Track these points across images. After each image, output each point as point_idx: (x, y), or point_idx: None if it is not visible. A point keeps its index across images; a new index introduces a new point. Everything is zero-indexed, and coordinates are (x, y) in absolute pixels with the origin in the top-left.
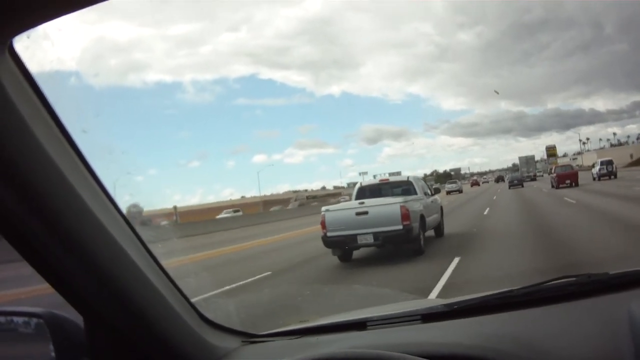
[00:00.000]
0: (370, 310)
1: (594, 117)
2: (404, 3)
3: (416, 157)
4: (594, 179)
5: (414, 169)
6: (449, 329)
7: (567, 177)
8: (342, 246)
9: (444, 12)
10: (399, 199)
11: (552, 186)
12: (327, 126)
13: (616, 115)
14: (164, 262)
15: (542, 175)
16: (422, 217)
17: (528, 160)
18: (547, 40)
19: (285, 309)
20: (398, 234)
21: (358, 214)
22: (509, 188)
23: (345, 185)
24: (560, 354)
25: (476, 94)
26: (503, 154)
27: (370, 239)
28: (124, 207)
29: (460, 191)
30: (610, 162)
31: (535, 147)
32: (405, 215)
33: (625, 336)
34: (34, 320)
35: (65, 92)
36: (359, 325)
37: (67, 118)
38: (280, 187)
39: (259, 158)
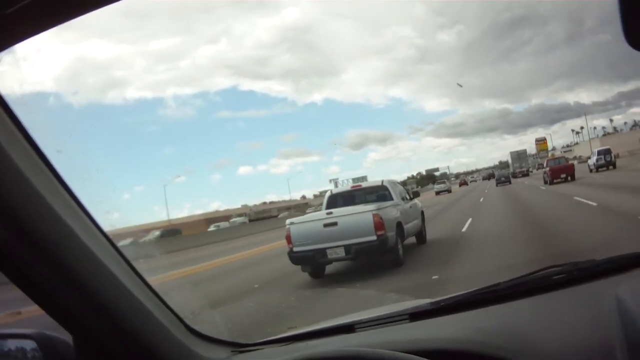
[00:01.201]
0: (358, 314)
1: (580, 110)
2: (383, 8)
3: (402, 160)
4: (591, 170)
5: (400, 173)
6: (437, 325)
7: (562, 171)
8: (310, 262)
9: (423, 15)
10: (371, 207)
11: (545, 182)
12: (311, 134)
13: (602, 107)
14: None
15: (532, 171)
16: (400, 225)
17: (520, 155)
18: (529, 36)
19: (272, 317)
20: (372, 246)
21: (326, 225)
22: (497, 185)
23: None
24: (548, 343)
25: (459, 94)
26: (489, 152)
27: (341, 253)
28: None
29: (449, 191)
30: (608, 152)
31: (521, 143)
32: (379, 224)
33: (613, 321)
34: (26, 341)
35: (44, 112)
36: (348, 328)
37: (46, 139)
38: (268, 197)
39: (244, 170)
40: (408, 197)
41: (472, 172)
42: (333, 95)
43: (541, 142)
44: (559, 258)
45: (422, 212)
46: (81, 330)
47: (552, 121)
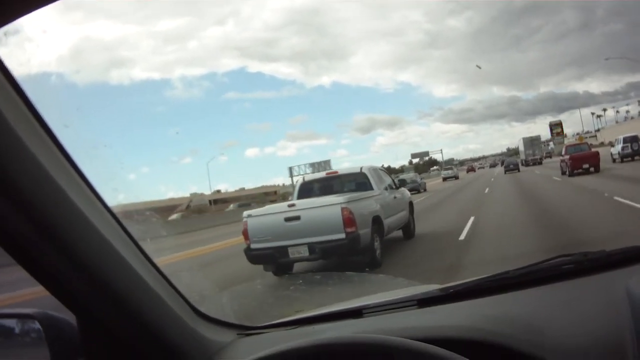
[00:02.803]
0: (367, 298)
1: (589, 100)
2: None
3: (410, 145)
4: (614, 160)
5: (406, 158)
6: (446, 312)
7: (585, 160)
8: (270, 261)
9: None
10: (340, 198)
11: (563, 172)
12: (319, 117)
13: (611, 97)
14: None
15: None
16: (378, 220)
17: (533, 142)
18: (539, 24)
19: (280, 300)
20: (340, 245)
21: (288, 219)
22: (505, 173)
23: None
24: (558, 332)
25: (468, 79)
26: (497, 139)
27: (304, 252)
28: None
29: (456, 177)
30: (635, 139)
31: (529, 131)
32: (349, 219)
33: (624, 313)
34: (29, 321)
35: (52, 92)
36: (356, 313)
37: (54, 118)
38: (275, 180)
39: (251, 152)
40: (394, 186)
41: (479, 159)
42: (341, 78)
43: (557, 126)
44: (568, 248)
45: (411, 203)
46: (85, 311)
47: (561, 109)
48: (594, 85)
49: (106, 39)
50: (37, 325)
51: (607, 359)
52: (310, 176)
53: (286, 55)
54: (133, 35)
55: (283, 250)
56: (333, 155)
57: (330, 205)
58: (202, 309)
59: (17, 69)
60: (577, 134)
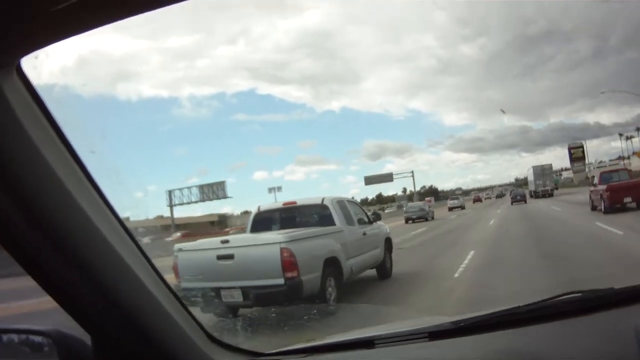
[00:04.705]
0: (378, 328)
1: (600, 131)
2: (406, 15)
3: (419, 173)
4: None
5: (416, 186)
6: (456, 346)
7: (628, 191)
8: (202, 304)
9: (446, 24)
10: (280, 237)
11: (594, 207)
12: (328, 142)
13: (622, 129)
14: None
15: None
16: (334, 262)
17: (544, 170)
18: (552, 53)
19: (293, 328)
20: (278, 292)
21: (220, 257)
22: (512, 204)
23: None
24: None
25: (479, 108)
26: (506, 169)
27: (238, 297)
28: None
29: (462, 207)
30: None
31: (539, 162)
32: (289, 263)
33: (632, 351)
34: (42, 338)
35: (69, 110)
36: (367, 343)
37: (72, 135)
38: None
39: (259, 175)
40: (367, 220)
41: (486, 189)
42: (352, 104)
43: (577, 149)
44: (577, 284)
45: (389, 239)
46: (99, 330)
47: (572, 140)
48: (605, 117)
49: (115, 54)
50: (50, 342)
51: None
52: (266, 206)
53: (297, 78)
54: (142, 50)
55: (215, 292)
56: (343, 181)
57: (267, 245)
58: (216, 334)
59: (40, 88)
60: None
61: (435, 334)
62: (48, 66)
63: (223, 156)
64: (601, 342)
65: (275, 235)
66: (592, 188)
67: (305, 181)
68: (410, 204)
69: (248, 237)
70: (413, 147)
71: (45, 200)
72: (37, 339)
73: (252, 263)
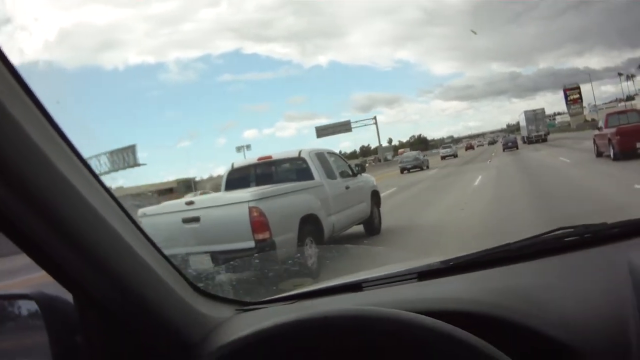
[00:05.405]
0: (367, 272)
1: (590, 75)
2: None
3: (410, 123)
4: None
5: (406, 136)
6: (446, 285)
7: None
8: None
9: None
10: (248, 195)
11: (599, 154)
12: (318, 97)
13: (612, 73)
14: None
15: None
16: (312, 220)
17: (537, 115)
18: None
19: (278, 275)
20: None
21: (185, 220)
22: (503, 151)
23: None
24: (558, 305)
25: (467, 56)
26: (497, 116)
27: (207, 263)
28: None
29: (455, 155)
30: None
31: (530, 107)
32: (259, 223)
33: (625, 285)
34: (25, 302)
35: (46, 79)
36: (355, 286)
37: (50, 103)
38: None
39: (249, 133)
40: (351, 173)
41: (477, 136)
42: (339, 57)
43: (573, 90)
44: (570, 220)
45: (376, 192)
46: (81, 289)
47: (561, 86)
48: (594, 61)
49: (98, 23)
50: (34, 305)
51: (608, 332)
52: (240, 162)
53: (282, 36)
54: (126, 18)
55: (183, 259)
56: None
57: (234, 204)
58: (200, 285)
59: (15, 60)
60: (617, 99)
61: (425, 274)
62: (31, 42)
63: (212, 117)
64: (594, 277)
65: (242, 194)
66: (597, 132)
67: (297, 137)
68: (405, 153)
69: (214, 197)
70: (402, 98)
71: (19, 162)
72: (21, 302)
73: (220, 225)
